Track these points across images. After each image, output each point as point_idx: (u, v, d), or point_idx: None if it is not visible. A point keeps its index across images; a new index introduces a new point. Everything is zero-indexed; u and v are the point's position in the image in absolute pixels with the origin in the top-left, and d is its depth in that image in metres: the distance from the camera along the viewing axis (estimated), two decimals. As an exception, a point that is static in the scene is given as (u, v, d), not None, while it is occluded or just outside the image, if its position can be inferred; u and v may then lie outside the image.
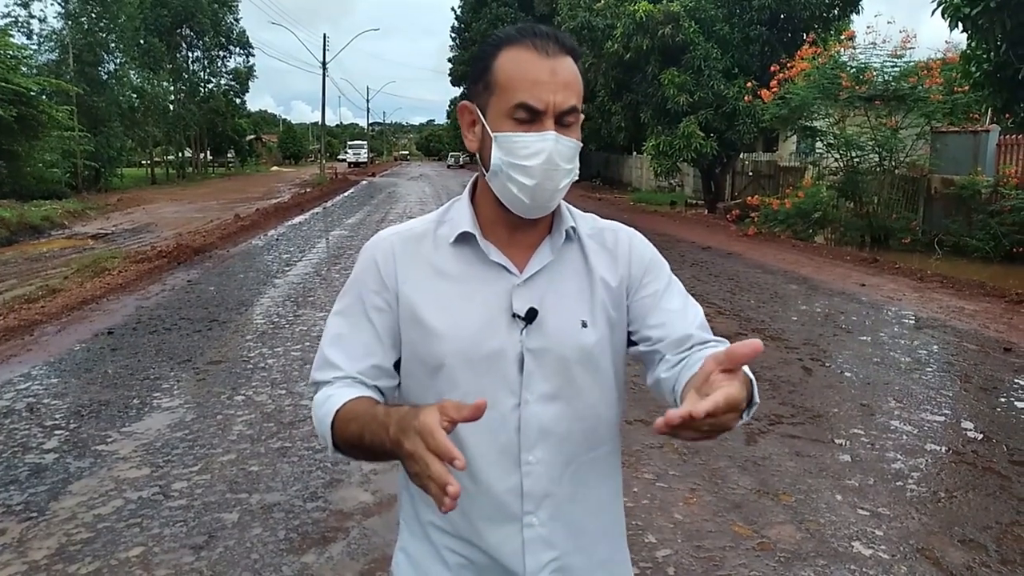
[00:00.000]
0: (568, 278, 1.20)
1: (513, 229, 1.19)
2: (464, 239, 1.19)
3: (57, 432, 4.67)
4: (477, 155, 1.20)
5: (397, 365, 1.23)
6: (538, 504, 1.16)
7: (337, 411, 1.11)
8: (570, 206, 1.27)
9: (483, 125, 1.15)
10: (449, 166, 63.92)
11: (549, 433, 1.16)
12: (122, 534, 3.39)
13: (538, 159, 1.10)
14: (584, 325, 1.18)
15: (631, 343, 1.26)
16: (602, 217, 1.33)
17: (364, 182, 37.78)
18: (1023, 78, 10.05)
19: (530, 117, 1.10)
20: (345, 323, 1.22)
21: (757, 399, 1.10)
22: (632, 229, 1.31)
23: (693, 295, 1.32)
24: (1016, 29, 9.85)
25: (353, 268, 1.25)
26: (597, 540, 1.25)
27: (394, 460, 1.05)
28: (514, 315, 1.15)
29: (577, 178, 1.18)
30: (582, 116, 1.19)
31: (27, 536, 3.39)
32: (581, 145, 1.17)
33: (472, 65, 1.20)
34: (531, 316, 1.15)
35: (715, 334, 1.25)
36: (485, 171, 1.17)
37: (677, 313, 1.24)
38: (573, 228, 1.23)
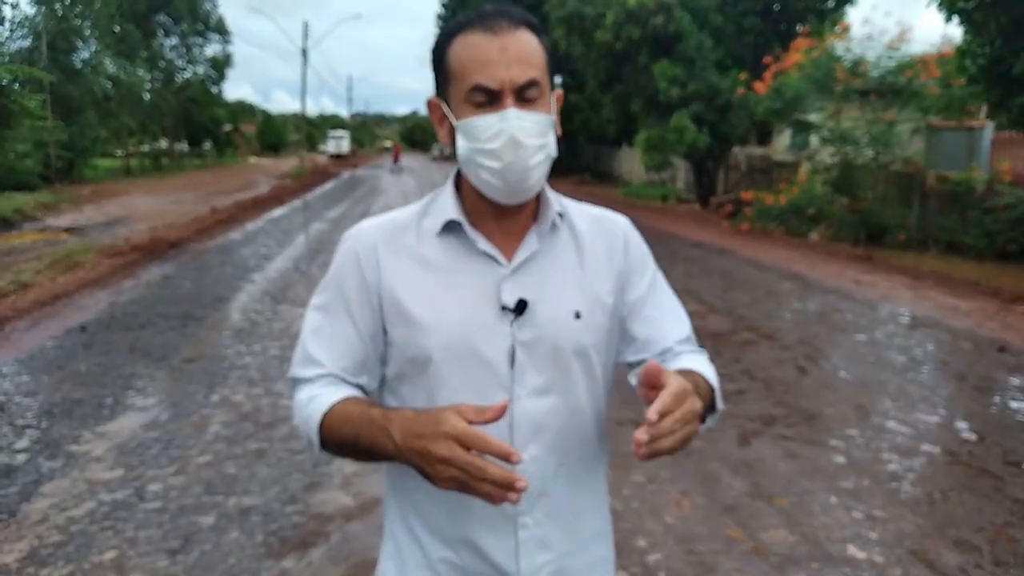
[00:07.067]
0: (559, 267, 1.18)
1: (498, 218, 1.16)
2: (450, 229, 1.16)
3: (28, 431, 4.57)
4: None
5: (382, 360, 1.19)
6: (533, 503, 1.14)
7: (326, 412, 1.10)
8: (560, 195, 1.25)
9: (449, 117, 1.13)
10: (434, 158, 61.90)
11: (543, 429, 1.13)
12: (95, 537, 3.32)
13: (500, 140, 1.07)
14: (578, 316, 1.16)
15: None
16: None
17: (345, 175, 37.44)
18: (1018, 74, 10.00)
19: (487, 99, 1.08)
20: (325, 318, 1.19)
21: (720, 405, 1.18)
22: (626, 219, 1.29)
23: (685, 292, 1.27)
24: (1010, 24, 9.81)
25: (333, 259, 1.21)
26: (591, 541, 1.23)
27: (384, 461, 1.08)
28: (503, 307, 1.12)
29: (555, 155, 1.14)
30: (557, 90, 1.17)
31: (-5, 540, 3.29)
32: (553, 118, 1.13)
33: (432, 61, 1.16)
34: (521, 308, 1.12)
35: (708, 332, 1.23)
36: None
37: (660, 322, 1.25)
38: (560, 215, 1.20)
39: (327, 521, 3.51)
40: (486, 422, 0.97)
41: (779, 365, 6.09)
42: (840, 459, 4.27)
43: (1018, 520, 3.58)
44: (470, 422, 0.96)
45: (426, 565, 1.18)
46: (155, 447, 4.32)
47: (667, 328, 1.25)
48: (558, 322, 1.14)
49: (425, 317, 1.12)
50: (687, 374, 1.13)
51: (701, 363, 1.22)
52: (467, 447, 0.94)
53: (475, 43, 1.08)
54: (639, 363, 1.24)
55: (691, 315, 1.29)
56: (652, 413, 0.94)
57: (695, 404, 0.99)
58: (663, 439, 0.95)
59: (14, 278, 9.03)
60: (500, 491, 0.94)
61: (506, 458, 0.93)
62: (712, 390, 1.17)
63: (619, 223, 1.27)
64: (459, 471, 0.94)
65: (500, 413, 0.97)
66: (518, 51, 1.07)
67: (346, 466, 4.01)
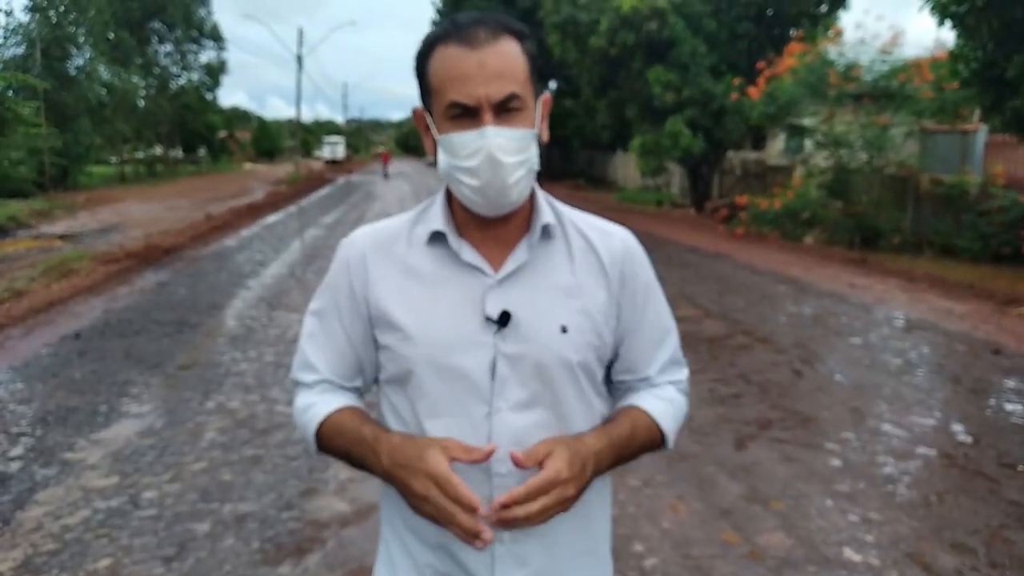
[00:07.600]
0: (549, 279, 1.14)
1: (487, 227, 1.14)
2: (438, 239, 1.14)
3: (23, 439, 4.53)
4: None
5: (376, 365, 1.21)
6: None
7: (320, 423, 1.15)
8: (559, 203, 1.21)
9: (431, 129, 1.12)
10: (429, 163, 62.26)
11: (524, 443, 1.09)
12: (90, 545, 3.29)
13: (478, 158, 1.05)
14: (564, 330, 1.12)
15: None
16: None
17: (341, 180, 37.28)
18: (1010, 77, 10.05)
19: (465, 114, 1.05)
20: (320, 324, 1.21)
21: (670, 446, 1.23)
22: (627, 233, 1.24)
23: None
24: (1002, 28, 9.85)
25: (331, 265, 1.24)
26: (575, 557, 1.19)
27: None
28: (487, 319, 1.10)
29: (538, 167, 1.11)
30: (545, 94, 1.14)
31: (-11, 548, 3.26)
32: (535, 131, 1.10)
33: (414, 70, 1.15)
34: (504, 319, 1.09)
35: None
36: None
37: (644, 348, 1.24)
38: (555, 225, 1.17)
39: (323, 527, 3.49)
40: (472, 462, 1.01)
41: (775, 369, 6.09)
42: (836, 462, 4.26)
43: (1014, 522, 3.58)
44: (454, 459, 1.01)
45: (414, 569, 1.18)
46: (150, 454, 4.29)
47: (650, 355, 1.24)
48: (543, 335, 1.11)
49: (409, 326, 1.12)
50: (624, 417, 1.18)
51: (662, 400, 1.23)
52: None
53: (452, 57, 1.04)
54: (620, 383, 1.26)
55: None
56: (495, 503, 1.00)
57: (564, 493, 1.03)
58: (517, 514, 1.01)
59: (8, 285, 8.97)
60: (470, 539, 0.99)
61: (472, 511, 0.97)
62: (660, 431, 1.20)
63: (619, 237, 1.22)
64: (433, 509, 1.00)
65: (486, 457, 1.02)
66: (497, 65, 1.03)
67: (342, 472, 3.99)
